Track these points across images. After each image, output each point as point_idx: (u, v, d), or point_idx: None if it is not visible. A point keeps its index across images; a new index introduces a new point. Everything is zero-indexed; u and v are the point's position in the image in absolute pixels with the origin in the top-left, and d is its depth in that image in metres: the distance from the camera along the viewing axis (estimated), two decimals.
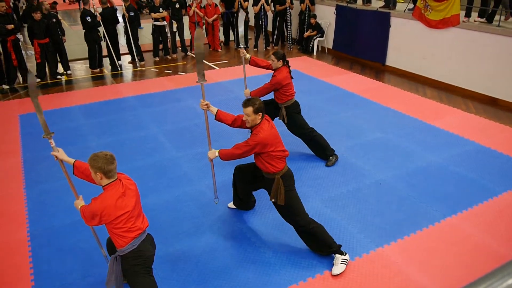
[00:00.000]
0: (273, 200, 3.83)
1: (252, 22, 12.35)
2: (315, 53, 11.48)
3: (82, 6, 13.01)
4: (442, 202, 4.71)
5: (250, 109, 3.72)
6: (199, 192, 4.99)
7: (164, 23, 10.64)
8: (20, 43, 9.01)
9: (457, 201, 4.72)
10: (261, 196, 4.67)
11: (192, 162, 5.72)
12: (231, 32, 12.52)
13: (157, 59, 11.02)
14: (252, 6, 11.86)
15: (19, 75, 9.24)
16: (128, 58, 10.88)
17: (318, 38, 11.41)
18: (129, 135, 6.56)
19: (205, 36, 11.83)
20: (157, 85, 8.92)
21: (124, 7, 10.14)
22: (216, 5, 11.56)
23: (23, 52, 9.39)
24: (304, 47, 11.57)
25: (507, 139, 6.21)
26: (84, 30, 9.62)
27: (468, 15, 8.32)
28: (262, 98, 5.67)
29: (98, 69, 10.09)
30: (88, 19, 9.33)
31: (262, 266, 3.83)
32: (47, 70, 9.51)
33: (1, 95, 8.55)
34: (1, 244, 4.20)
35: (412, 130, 6.52)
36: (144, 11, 15.83)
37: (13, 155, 6.03)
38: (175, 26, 11.01)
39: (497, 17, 7.87)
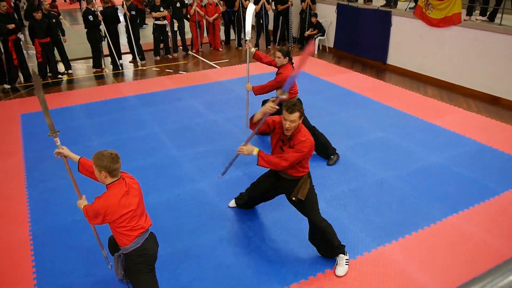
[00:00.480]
0: (293, 198, 3.67)
1: (253, 21, 12.34)
2: (316, 52, 11.47)
3: (83, 5, 13.02)
4: (443, 201, 4.71)
5: (297, 115, 3.37)
6: (200, 191, 5.00)
7: (165, 22, 10.64)
8: (21, 42, 9.02)
9: (458, 200, 4.72)
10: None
11: (193, 161, 5.73)
12: (232, 31, 12.53)
13: (158, 58, 11.02)
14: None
15: (20, 74, 9.25)
16: (129, 57, 10.89)
17: (319, 37, 11.40)
18: (130, 134, 6.56)
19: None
20: (158, 84, 8.92)
21: (125, 6, 10.14)
22: (216, 4, 11.56)
23: (24, 51, 9.40)
24: (305, 46, 11.55)
25: (509, 138, 6.20)
26: (85, 30, 9.63)
27: (469, 13, 8.31)
28: (263, 96, 5.71)
29: (100, 68, 10.10)
30: (90, 18, 9.34)
31: (263, 264, 3.83)
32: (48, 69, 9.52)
33: (3, 94, 8.56)
34: (3, 243, 4.21)
35: (413, 129, 6.51)
36: (145, 10, 15.83)
37: (15, 154, 6.04)
38: (176, 25, 11.01)
39: (498, 16, 7.86)
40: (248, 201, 4.46)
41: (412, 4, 9.43)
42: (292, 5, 11.73)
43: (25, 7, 10.12)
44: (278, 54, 5.24)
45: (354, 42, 10.82)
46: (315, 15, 11.27)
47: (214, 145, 6.16)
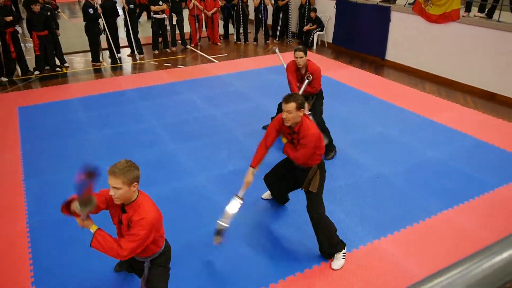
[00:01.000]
0: (304, 189, 3.71)
1: (252, 16, 12.33)
2: (314, 47, 11.47)
3: None
4: (439, 196, 4.74)
5: (293, 105, 3.43)
6: (198, 185, 5.01)
7: (164, 16, 10.62)
8: (19, 35, 8.99)
9: (454, 194, 4.75)
10: (260, 189, 4.68)
11: (191, 155, 5.74)
12: (230, 25, 12.51)
13: (156, 52, 11.00)
14: None
15: (17, 67, 9.22)
16: (127, 51, 10.86)
17: (318, 32, 11.39)
18: (128, 128, 6.57)
19: None
20: (156, 78, 8.91)
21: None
22: None
23: (22, 44, 9.37)
24: (304, 41, 11.55)
25: (504, 133, 6.23)
26: (84, 23, 9.59)
27: (468, 10, 8.32)
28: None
29: (99, 62, 10.08)
30: (91, 11, 9.31)
31: (259, 257, 3.86)
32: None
33: (0, 87, 8.54)
34: (0, 236, 4.22)
35: (411, 125, 6.53)
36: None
37: (12, 147, 6.04)
38: (174, 19, 10.99)
39: (497, 12, 7.87)
40: (272, 193, 4.49)
41: (411, 0, 9.42)
42: None
43: (22, 0, 10.09)
44: (301, 54, 5.08)
45: (353, 37, 10.81)
46: (314, 10, 11.25)
47: (212, 139, 6.17)
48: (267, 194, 4.70)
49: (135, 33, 10.46)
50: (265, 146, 3.76)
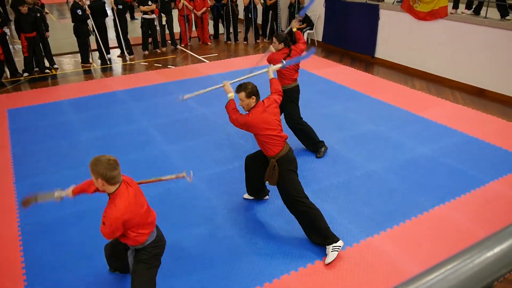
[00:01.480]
0: (266, 181, 4.00)
1: (241, 15, 12.32)
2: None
3: None
4: (431, 192, 4.78)
5: (242, 94, 3.85)
6: (190, 185, 5.01)
7: (153, 16, 10.57)
8: (7, 37, 8.89)
9: (446, 190, 4.80)
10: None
11: (183, 155, 5.73)
12: (220, 25, 12.49)
13: (146, 52, 10.94)
14: None
15: (6, 69, 9.13)
16: (117, 51, 10.80)
17: (307, 31, 11.42)
18: (119, 129, 6.54)
19: None
20: (146, 79, 8.88)
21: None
22: None
23: (10, 46, 9.27)
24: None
25: (494, 129, 6.31)
26: (73, 24, 9.50)
27: (455, 6, 8.40)
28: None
29: (89, 63, 10.00)
30: (79, 12, 9.22)
31: (253, 256, 3.87)
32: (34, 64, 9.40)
33: None
34: None
35: (402, 122, 6.59)
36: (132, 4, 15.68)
37: (2, 149, 5.98)
38: (164, 19, 10.95)
39: (484, 9, 7.95)
40: (257, 186, 4.50)
41: None
42: None
43: (10, 1, 9.95)
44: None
45: (342, 35, 10.86)
46: None
47: (204, 138, 6.17)
48: (247, 194, 4.72)
49: (125, 33, 10.40)
50: None
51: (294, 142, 5.86)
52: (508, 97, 7.45)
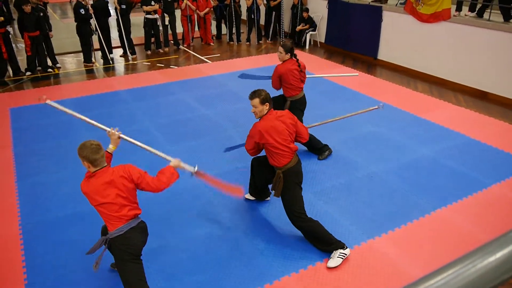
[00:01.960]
0: (272, 191, 3.98)
1: (244, 16, 12.33)
2: (307, 47, 11.49)
3: None
4: (432, 194, 4.77)
5: (256, 100, 3.82)
6: (192, 185, 5.00)
7: (156, 16, 10.58)
8: (10, 36, 8.92)
9: (447, 193, 4.79)
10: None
11: (184, 155, 5.73)
12: (223, 25, 12.50)
13: (149, 52, 10.96)
14: None
15: (9, 68, 9.15)
16: (119, 51, 10.81)
17: (310, 32, 11.42)
18: (121, 129, 6.46)
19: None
20: (149, 79, 8.88)
21: None
22: None
23: (13, 45, 9.30)
24: (296, 41, 11.57)
25: (497, 132, 6.29)
26: (76, 23, 9.52)
27: (459, 9, 8.39)
28: (277, 93, 5.64)
29: (91, 63, 10.02)
30: (82, 11, 9.24)
31: (255, 258, 3.86)
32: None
33: None
34: None
35: (404, 124, 6.57)
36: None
37: (4, 148, 5.99)
38: (167, 19, 10.95)
39: (487, 12, 7.93)
40: (259, 187, 4.49)
41: (403, 0, 9.48)
42: None
43: (13, 0, 9.98)
44: (281, 49, 5.30)
45: (345, 37, 10.85)
46: (307, 10, 11.28)
47: (205, 139, 6.17)
48: (248, 194, 4.71)
49: (128, 33, 10.41)
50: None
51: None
52: (511, 100, 7.43)
